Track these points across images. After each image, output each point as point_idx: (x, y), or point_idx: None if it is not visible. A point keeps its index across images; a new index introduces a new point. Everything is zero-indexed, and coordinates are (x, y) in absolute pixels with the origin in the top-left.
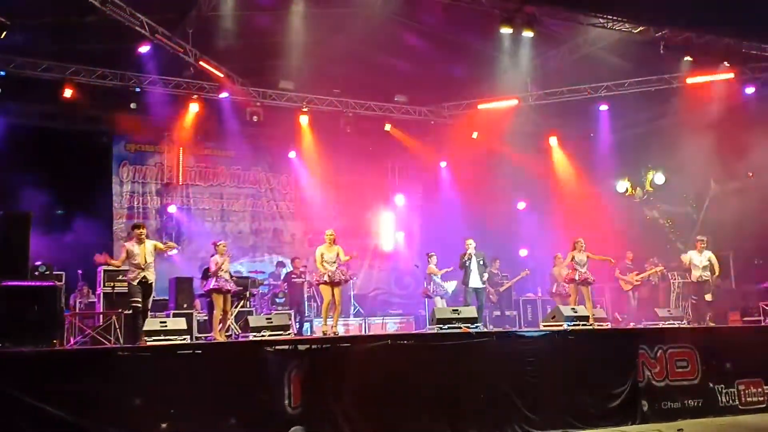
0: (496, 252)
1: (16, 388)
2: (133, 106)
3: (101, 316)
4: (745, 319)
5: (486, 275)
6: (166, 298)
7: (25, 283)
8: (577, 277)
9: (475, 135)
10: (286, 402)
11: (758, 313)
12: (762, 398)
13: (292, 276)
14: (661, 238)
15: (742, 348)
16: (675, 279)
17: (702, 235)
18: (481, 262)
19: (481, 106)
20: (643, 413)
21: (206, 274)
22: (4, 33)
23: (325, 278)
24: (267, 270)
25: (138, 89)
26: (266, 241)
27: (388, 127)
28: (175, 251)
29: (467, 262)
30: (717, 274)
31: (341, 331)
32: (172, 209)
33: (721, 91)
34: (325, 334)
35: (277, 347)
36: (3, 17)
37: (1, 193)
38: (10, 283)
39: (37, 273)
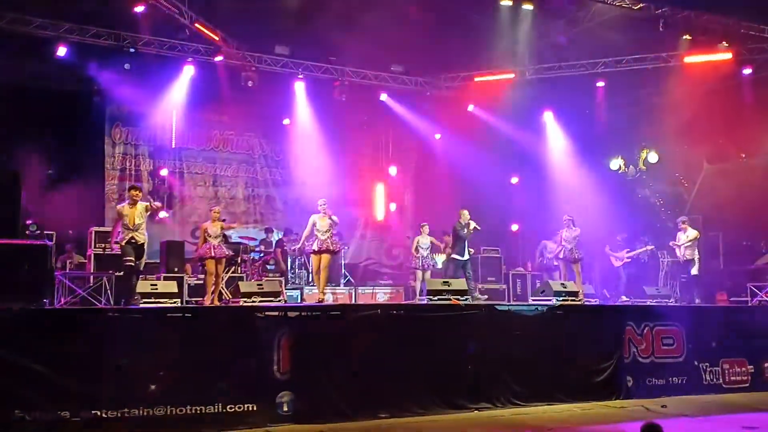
0: (488, 226)
1: (4, 346)
2: (127, 66)
3: (91, 277)
4: (732, 299)
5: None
6: (157, 261)
7: (16, 242)
8: (562, 255)
9: (471, 107)
10: (275, 368)
11: (745, 293)
12: (745, 378)
13: (284, 243)
14: (652, 217)
15: (728, 328)
16: (664, 257)
17: (684, 216)
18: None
19: (477, 79)
20: (627, 389)
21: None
22: None
23: (314, 247)
24: (258, 237)
25: (132, 50)
26: (259, 207)
27: (384, 96)
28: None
29: (465, 232)
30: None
31: (330, 299)
32: (164, 172)
33: (718, 71)
34: (320, 302)
35: (268, 313)
36: None
37: None
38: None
39: (27, 232)
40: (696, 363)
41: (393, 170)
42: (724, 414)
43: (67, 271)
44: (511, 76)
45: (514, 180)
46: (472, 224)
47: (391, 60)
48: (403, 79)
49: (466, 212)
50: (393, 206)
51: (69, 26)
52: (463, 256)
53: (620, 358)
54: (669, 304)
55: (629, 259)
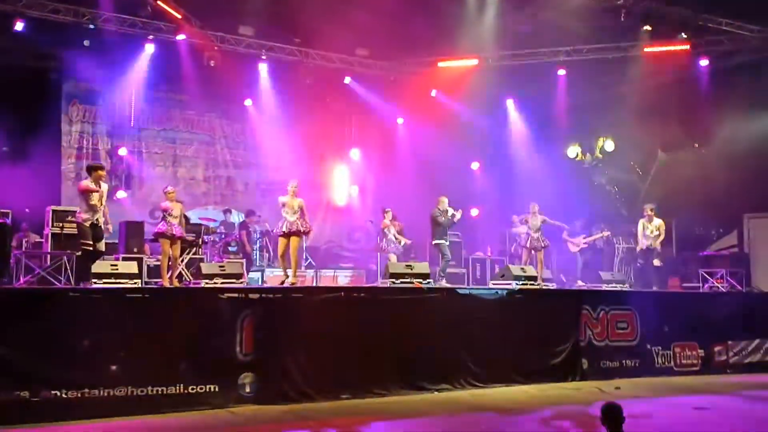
0: None
1: None
2: (86, 43)
3: (50, 256)
4: (684, 285)
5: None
6: (116, 241)
7: None
8: (527, 244)
9: (433, 93)
10: (238, 349)
11: (697, 279)
12: (696, 361)
13: (248, 224)
14: (607, 204)
15: (680, 313)
16: (619, 244)
17: (651, 204)
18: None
19: (441, 64)
20: (583, 371)
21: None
22: None
23: (284, 229)
24: (218, 218)
25: (92, 26)
26: (219, 189)
27: (347, 80)
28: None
29: (444, 219)
30: (661, 238)
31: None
32: (122, 152)
33: (675, 62)
34: (282, 284)
35: (230, 295)
36: None
37: None
38: None
39: None
40: (649, 346)
41: (355, 154)
42: (675, 396)
43: (23, 250)
44: (475, 62)
45: (475, 165)
46: (450, 210)
47: (356, 43)
48: (367, 62)
49: (444, 199)
50: (355, 189)
51: (27, 0)
52: (445, 240)
53: (576, 341)
54: (624, 288)
55: (586, 245)
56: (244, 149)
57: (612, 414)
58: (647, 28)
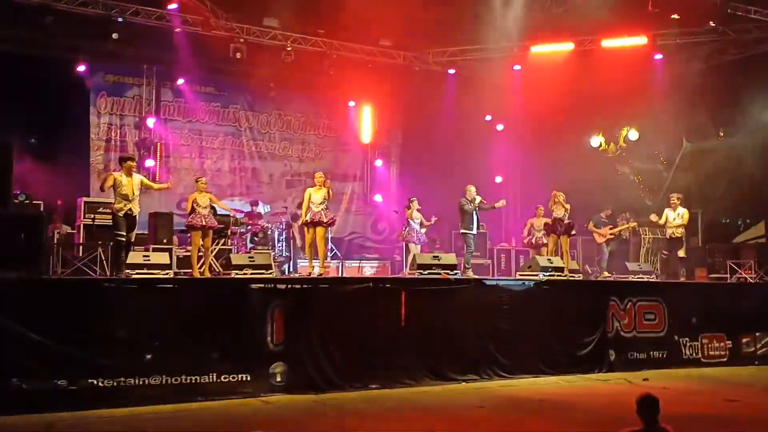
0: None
1: (1, 315)
2: (114, 36)
3: (83, 247)
4: (712, 275)
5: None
6: (146, 232)
7: (10, 212)
8: (556, 230)
9: (457, 82)
10: (269, 339)
11: (724, 270)
12: (724, 352)
13: (299, 217)
14: (631, 194)
15: (708, 303)
16: (646, 234)
17: (676, 193)
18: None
19: (465, 55)
20: (610, 362)
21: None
22: None
23: (307, 218)
24: (244, 209)
25: (120, 19)
26: (245, 180)
27: (372, 70)
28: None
29: (471, 207)
30: (684, 223)
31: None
32: (150, 122)
33: (701, 51)
34: (309, 275)
35: (261, 285)
36: None
37: None
38: None
39: (16, 202)
40: (676, 338)
41: (379, 144)
42: (704, 387)
43: (56, 241)
44: (499, 52)
45: (498, 155)
46: (478, 198)
47: (380, 34)
48: (391, 53)
49: (472, 188)
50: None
51: None
52: (471, 229)
53: (604, 332)
54: (651, 280)
55: (612, 236)
56: (269, 141)
57: (648, 404)
58: (676, 16)
